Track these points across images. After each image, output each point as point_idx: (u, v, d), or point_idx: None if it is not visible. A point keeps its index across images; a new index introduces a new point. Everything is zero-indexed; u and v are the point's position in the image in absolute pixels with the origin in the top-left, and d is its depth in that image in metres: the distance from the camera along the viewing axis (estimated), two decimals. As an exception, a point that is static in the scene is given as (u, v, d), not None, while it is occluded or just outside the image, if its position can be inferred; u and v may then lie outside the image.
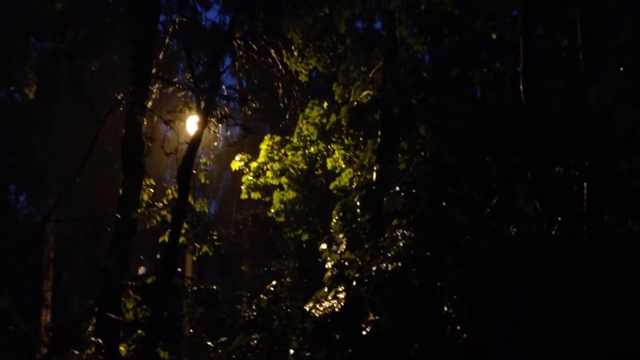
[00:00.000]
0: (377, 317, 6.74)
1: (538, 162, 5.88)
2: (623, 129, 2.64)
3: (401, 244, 6.87)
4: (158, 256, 17.31)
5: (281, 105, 13.36)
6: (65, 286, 15.60)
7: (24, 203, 22.71)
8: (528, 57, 5.99)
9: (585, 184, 5.72)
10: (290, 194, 13.39)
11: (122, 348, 8.06)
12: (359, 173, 11.66)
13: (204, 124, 8.95)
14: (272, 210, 13.39)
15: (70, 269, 18.17)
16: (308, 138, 13.24)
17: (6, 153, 20.66)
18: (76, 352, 7.12)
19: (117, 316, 7.31)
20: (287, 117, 13.59)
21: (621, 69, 2.67)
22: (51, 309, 15.80)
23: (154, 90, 9.28)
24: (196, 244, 9.63)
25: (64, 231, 18.35)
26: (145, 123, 9.07)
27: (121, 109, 8.02)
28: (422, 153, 9.07)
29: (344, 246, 9.08)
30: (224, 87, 9.48)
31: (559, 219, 5.81)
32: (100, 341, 6.89)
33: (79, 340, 8.00)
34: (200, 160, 10.49)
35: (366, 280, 6.99)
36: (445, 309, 5.82)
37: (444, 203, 6.56)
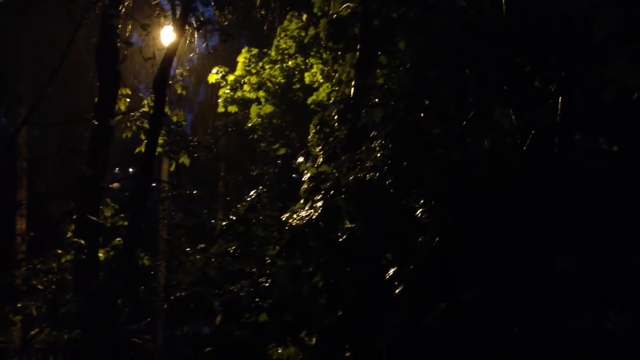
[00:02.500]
0: (352, 225, 6.94)
1: (516, 75, 5.96)
2: (602, 32, 2.70)
3: (378, 155, 6.98)
4: (131, 170, 17.30)
5: (258, 16, 13.09)
6: (41, 194, 15.56)
7: (-5, 113, 22.22)
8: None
9: (560, 98, 5.84)
10: (268, 108, 13.34)
11: (100, 254, 8.19)
12: (337, 88, 11.63)
13: (180, 31, 8.77)
14: (249, 125, 13.37)
15: (46, 178, 18.09)
16: (286, 51, 13.06)
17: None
18: (59, 251, 7.21)
19: (96, 219, 7.40)
20: (265, 29, 13.34)
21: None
22: (27, 218, 15.83)
23: (129, -4, 9.01)
24: (173, 155, 9.66)
25: (36, 140, 18.14)
26: (120, 29, 8.86)
27: (97, 10, 7.79)
28: (401, 68, 9.06)
29: (321, 159, 9.19)
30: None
31: (532, 132, 5.96)
32: (82, 242, 7.00)
33: (57, 247, 8.07)
34: (177, 70, 10.35)
35: (343, 189, 7.14)
36: (419, 215, 6.01)
37: (421, 114, 6.64)
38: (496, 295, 5.80)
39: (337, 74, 11.48)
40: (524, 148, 5.83)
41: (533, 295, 5.64)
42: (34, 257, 7.80)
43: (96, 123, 8.03)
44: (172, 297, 8.29)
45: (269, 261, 8.61)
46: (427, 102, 6.89)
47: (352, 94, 9.99)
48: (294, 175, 14.31)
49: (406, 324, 6.91)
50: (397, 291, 6.31)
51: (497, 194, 5.93)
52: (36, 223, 14.82)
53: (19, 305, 7.35)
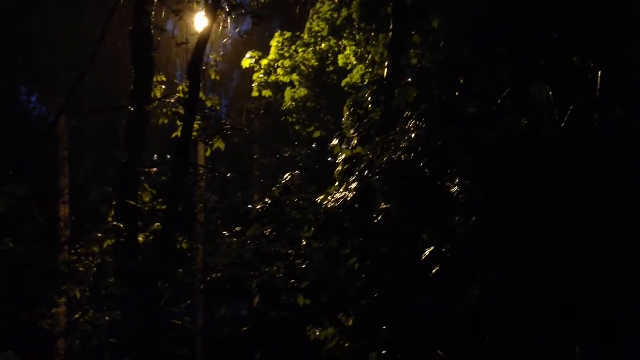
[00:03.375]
0: (387, 206, 6.92)
1: (552, 50, 5.82)
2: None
3: (413, 136, 6.92)
4: (168, 157, 17.53)
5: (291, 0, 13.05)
6: (81, 182, 15.96)
7: (35, 104, 22.79)
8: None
9: (599, 72, 5.69)
10: (302, 92, 13.33)
11: (140, 238, 8.33)
12: (371, 69, 11.55)
13: (213, 17, 8.80)
14: (284, 108, 13.39)
15: (86, 166, 18.52)
16: (319, 34, 13.00)
17: (14, 54, 20.49)
18: (99, 234, 7.40)
19: (135, 204, 7.54)
20: (297, 12, 13.30)
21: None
22: (69, 205, 16.26)
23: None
24: (209, 141, 9.74)
25: (76, 129, 18.55)
26: (153, 16, 8.94)
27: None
28: (435, 47, 8.93)
29: (355, 142, 9.16)
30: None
31: (571, 108, 5.83)
32: (121, 226, 7.16)
33: (98, 232, 8.26)
34: (210, 56, 10.41)
35: (377, 170, 7.12)
36: (455, 195, 5.96)
37: (456, 93, 6.56)
38: (522, 279, 5.74)
39: (370, 56, 11.40)
40: (562, 125, 5.71)
41: (563, 278, 5.55)
42: (76, 242, 8.00)
43: (132, 110, 8.15)
44: (209, 279, 8.42)
45: (304, 243, 8.66)
46: (461, 81, 6.80)
47: (385, 75, 9.91)
48: (329, 159, 14.32)
49: (439, 306, 6.87)
50: (433, 272, 6.28)
51: (533, 173, 5.83)
52: (78, 210, 15.19)
53: (63, 288, 7.57)
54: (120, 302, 7.44)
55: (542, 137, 5.82)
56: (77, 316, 8.07)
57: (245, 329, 8.25)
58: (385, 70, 9.85)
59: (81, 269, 7.48)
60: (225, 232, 8.64)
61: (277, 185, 9.17)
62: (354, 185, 7.60)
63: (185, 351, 8.26)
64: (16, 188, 4.28)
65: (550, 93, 5.78)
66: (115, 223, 7.27)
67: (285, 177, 9.34)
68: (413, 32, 9.88)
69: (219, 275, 8.32)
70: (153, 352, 7.06)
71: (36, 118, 22.43)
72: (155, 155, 18.94)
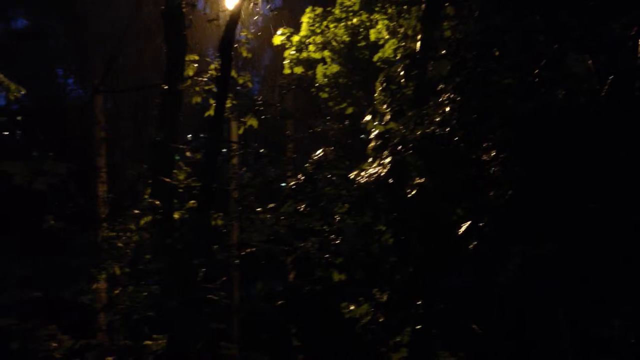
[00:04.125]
0: (422, 180, 6.86)
1: (590, 17, 5.64)
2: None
3: (447, 109, 6.82)
4: (201, 135, 17.66)
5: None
6: (118, 161, 16.25)
7: (72, 86, 23.18)
8: None
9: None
10: (334, 68, 13.20)
11: (176, 215, 8.45)
12: (403, 43, 11.37)
13: (243, -8, 8.78)
14: (316, 85, 13.30)
15: (121, 146, 18.81)
16: (350, 9, 12.82)
17: (49, 36, 20.84)
18: (136, 211, 7.54)
19: (171, 181, 7.64)
20: (328, -14, 13.13)
21: None
22: (107, 184, 16.58)
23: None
24: (240, 118, 9.78)
25: (112, 110, 18.82)
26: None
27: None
28: (469, 18, 8.74)
29: (388, 117, 9.08)
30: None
31: (611, 77, 5.65)
32: (157, 203, 7.26)
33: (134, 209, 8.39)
34: (241, 33, 10.41)
35: (410, 145, 7.04)
36: (491, 168, 5.87)
37: (491, 65, 6.42)
38: (572, 250, 5.63)
39: (402, 29, 11.22)
40: (602, 94, 5.55)
41: (611, 250, 5.44)
42: (114, 220, 8.15)
43: (165, 88, 8.23)
44: (243, 254, 8.50)
45: (338, 219, 8.66)
46: (496, 52, 6.64)
47: (418, 48, 9.76)
48: (362, 136, 14.23)
49: (475, 280, 6.82)
50: (469, 247, 6.22)
51: (572, 144, 5.70)
52: (115, 189, 15.48)
53: (103, 265, 7.75)
54: (158, 278, 7.58)
55: (581, 107, 5.68)
56: (116, 291, 8.26)
57: (279, 302, 8.33)
58: (418, 44, 9.70)
59: (119, 244, 7.64)
60: (259, 209, 8.70)
61: (310, 161, 9.17)
62: (387, 160, 7.54)
63: (222, 326, 8.40)
64: (56, 166, 4.37)
65: (589, 62, 5.62)
66: (150, 200, 7.38)
67: (317, 152, 9.33)
68: (446, 4, 9.68)
69: (253, 250, 8.39)
70: (191, 326, 7.20)
71: (73, 100, 22.84)
72: (190, 135, 19.15)
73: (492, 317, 6.81)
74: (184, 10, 8.89)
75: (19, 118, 14.23)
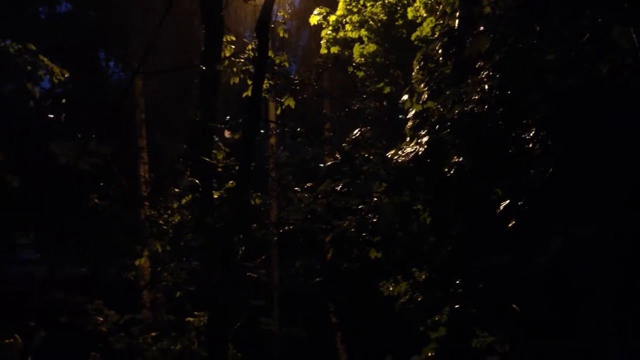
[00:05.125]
0: (460, 159, 6.81)
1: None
2: None
3: (486, 87, 6.73)
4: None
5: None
6: (158, 142, 16.52)
7: (113, 69, 23.60)
8: None
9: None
10: (371, 47, 13.11)
11: (215, 194, 8.58)
12: (442, 21, 11.20)
13: (280, -27, 8.76)
14: (353, 64, 13.25)
15: (162, 127, 19.11)
16: (387, -14, 12.70)
17: (91, 20, 21.19)
18: (176, 190, 7.70)
19: (210, 160, 7.76)
20: (365, -36, 13.00)
21: None
22: (148, 165, 16.95)
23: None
24: (279, 99, 9.82)
25: (151, 91, 19.12)
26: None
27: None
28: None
29: (426, 96, 9.00)
30: None
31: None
32: (197, 182, 7.39)
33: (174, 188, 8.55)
34: (278, 14, 10.41)
35: (449, 124, 6.99)
36: (531, 147, 5.78)
37: (532, 41, 6.29)
38: (615, 230, 5.53)
39: (440, 6, 11.05)
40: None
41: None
42: (155, 199, 8.33)
43: (203, 69, 8.30)
44: (282, 232, 8.60)
45: (375, 198, 8.67)
46: (537, 27, 6.50)
47: (456, 25, 9.61)
48: (399, 116, 14.12)
49: (515, 260, 6.75)
50: (509, 225, 6.16)
51: (616, 121, 5.57)
52: (156, 170, 15.79)
53: (145, 242, 7.95)
54: (199, 256, 7.74)
55: (625, 82, 5.53)
56: (159, 269, 8.47)
57: (318, 280, 8.42)
58: (457, 21, 9.55)
59: (161, 222, 7.82)
60: (296, 188, 8.77)
61: (347, 140, 9.18)
62: (425, 139, 7.50)
63: (262, 302, 8.55)
64: (100, 147, 4.49)
65: (634, 36, 5.46)
66: (191, 179, 7.52)
67: (355, 132, 9.33)
68: (486, -21, 9.49)
69: (291, 228, 8.48)
70: (232, 303, 7.35)
71: (114, 83, 23.28)
72: (228, 117, 19.31)
73: (532, 297, 6.75)
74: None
75: (63, 101, 14.58)
